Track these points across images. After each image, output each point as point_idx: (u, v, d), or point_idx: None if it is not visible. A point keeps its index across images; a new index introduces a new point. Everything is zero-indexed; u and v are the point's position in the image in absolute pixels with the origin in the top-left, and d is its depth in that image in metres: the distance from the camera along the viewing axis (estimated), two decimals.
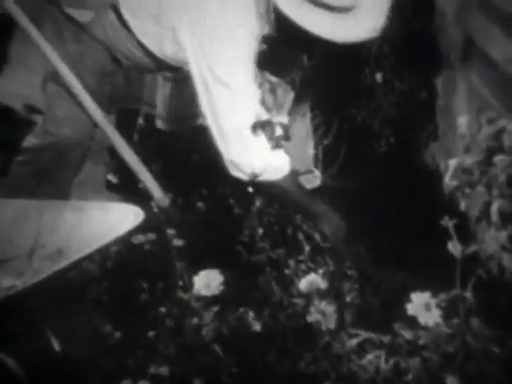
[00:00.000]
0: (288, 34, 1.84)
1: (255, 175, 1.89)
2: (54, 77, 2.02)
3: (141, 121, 2.37)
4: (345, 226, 1.99)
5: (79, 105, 2.01)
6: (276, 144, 1.93)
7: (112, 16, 2.01)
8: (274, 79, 2.00)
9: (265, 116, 1.90)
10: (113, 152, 2.19)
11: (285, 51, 1.94)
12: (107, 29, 2.02)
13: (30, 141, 2.09)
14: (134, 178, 2.06)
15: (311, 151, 2.30)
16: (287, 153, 1.97)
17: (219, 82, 1.87)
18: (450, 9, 2.35)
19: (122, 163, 2.17)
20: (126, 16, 2.00)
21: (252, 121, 1.88)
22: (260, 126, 1.87)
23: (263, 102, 1.92)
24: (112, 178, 2.33)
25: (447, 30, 2.40)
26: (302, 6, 1.77)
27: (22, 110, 2.43)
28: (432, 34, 2.50)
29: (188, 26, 1.88)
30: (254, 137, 1.88)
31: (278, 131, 1.93)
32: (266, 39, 1.89)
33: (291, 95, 2.08)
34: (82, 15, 2.02)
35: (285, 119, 2.01)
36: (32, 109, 2.34)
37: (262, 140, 1.91)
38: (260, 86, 1.91)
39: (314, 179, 2.26)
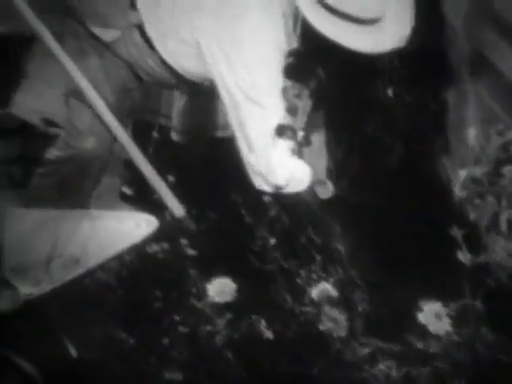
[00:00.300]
0: (315, 47, 1.88)
1: (279, 187, 1.93)
2: (76, 92, 2.06)
3: (155, 134, 2.41)
4: (352, 237, 2.02)
5: (99, 119, 2.05)
6: (298, 149, 1.98)
7: (136, 35, 2.04)
8: (297, 87, 2.04)
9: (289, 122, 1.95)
10: (128, 164, 2.24)
11: (311, 63, 1.98)
12: (130, 47, 2.06)
13: (51, 153, 2.14)
14: (148, 189, 2.10)
15: (324, 162, 2.33)
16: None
17: (248, 98, 1.91)
18: (459, 23, 2.39)
19: (136, 175, 2.21)
20: (150, 34, 2.04)
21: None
22: (284, 130, 1.91)
23: (288, 108, 1.96)
24: (127, 189, 2.37)
25: (457, 44, 2.43)
26: (331, 19, 1.81)
27: (39, 124, 2.48)
28: (442, 48, 2.53)
29: (216, 43, 1.91)
30: (279, 148, 1.93)
31: (300, 136, 1.98)
32: (292, 53, 1.93)
33: (310, 101, 2.12)
34: (106, 34, 2.06)
35: (305, 122, 2.04)
36: (49, 123, 2.39)
37: (286, 152, 1.95)
38: (284, 92, 1.95)
39: (326, 190, 2.29)
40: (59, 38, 2.04)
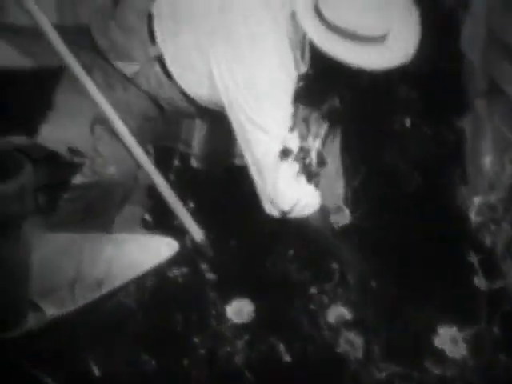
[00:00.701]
0: (324, 69, 1.94)
1: (285, 212, 1.97)
2: (101, 120, 2.14)
3: (176, 161, 2.47)
4: (369, 263, 2.05)
5: (124, 146, 2.12)
6: (308, 173, 2.02)
7: (157, 67, 2.11)
8: (308, 111, 2.09)
9: (296, 145, 1.99)
10: (151, 193, 2.30)
11: (320, 86, 2.04)
12: (151, 79, 2.13)
13: (78, 179, 2.21)
14: (168, 216, 2.16)
15: (341, 190, 2.37)
16: (318, 189, 2.06)
17: (254, 124, 1.97)
18: (476, 56, 2.44)
19: (157, 203, 2.27)
20: (169, 66, 2.10)
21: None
22: (289, 155, 1.96)
23: (298, 131, 2.01)
24: (148, 217, 2.43)
25: (474, 75, 2.47)
26: (336, 39, 1.86)
27: (65, 154, 2.56)
28: (459, 79, 2.58)
29: (227, 71, 1.98)
30: (284, 173, 1.97)
31: (313, 157, 2.02)
32: (302, 77, 1.98)
33: (324, 125, 2.16)
34: (128, 68, 2.13)
35: (319, 145, 2.09)
36: (75, 152, 2.47)
37: (291, 177, 1.99)
38: (294, 116, 2.00)
39: (342, 218, 2.32)
40: (88, 70, 2.12)
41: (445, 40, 2.54)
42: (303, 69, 1.99)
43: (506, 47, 2.24)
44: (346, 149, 2.46)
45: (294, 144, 2.00)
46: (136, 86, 2.14)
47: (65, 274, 1.67)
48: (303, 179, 2.04)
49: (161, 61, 2.11)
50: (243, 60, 1.97)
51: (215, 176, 2.44)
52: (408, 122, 2.83)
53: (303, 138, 2.04)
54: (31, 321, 1.57)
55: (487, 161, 2.01)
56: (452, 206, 2.35)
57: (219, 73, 2.00)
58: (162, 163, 2.29)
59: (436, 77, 2.65)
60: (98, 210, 2.18)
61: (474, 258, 1.79)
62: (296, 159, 1.99)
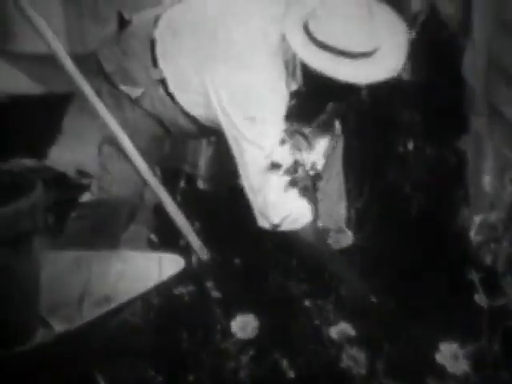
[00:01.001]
0: (315, 86, 2.00)
1: (276, 225, 2.02)
2: (110, 140, 2.20)
3: (183, 181, 2.52)
4: (371, 283, 2.09)
5: (131, 165, 2.18)
6: (306, 186, 2.06)
7: (160, 90, 2.18)
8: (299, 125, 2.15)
9: (288, 158, 2.04)
10: (157, 212, 2.34)
11: (312, 102, 2.10)
12: (155, 101, 2.19)
13: (85, 198, 2.26)
14: (174, 236, 2.20)
15: (343, 211, 2.41)
16: (318, 208, 2.10)
17: (245, 139, 2.04)
18: (476, 81, 2.49)
19: (163, 223, 2.32)
20: (171, 88, 2.18)
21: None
22: (278, 169, 2.01)
23: (291, 145, 2.06)
24: (153, 237, 2.47)
25: (474, 99, 2.52)
26: (325, 56, 1.92)
27: (74, 175, 2.62)
28: (460, 102, 2.62)
29: (221, 93, 2.06)
30: (274, 186, 2.03)
31: (308, 171, 2.07)
32: (294, 95, 2.05)
33: (321, 140, 2.21)
34: (133, 91, 2.19)
35: (317, 158, 2.13)
36: (83, 174, 2.52)
37: (283, 190, 2.04)
38: (285, 130, 2.05)
39: (345, 238, 2.36)
40: (97, 92, 2.19)
41: (446, 66, 2.59)
42: (294, 87, 2.04)
43: (504, 71, 2.30)
44: (349, 170, 2.50)
45: (285, 158, 2.06)
46: (141, 107, 2.20)
47: (73, 291, 1.70)
48: (295, 193, 2.08)
49: (163, 83, 2.17)
50: (236, 77, 2.03)
51: (220, 196, 2.49)
52: (411, 145, 2.87)
53: (297, 151, 2.09)
54: (40, 336, 1.59)
55: (487, 180, 2.04)
56: (453, 226, 2.38)
57: (215, 92, 2.07)
58: (169, 184, 2.33)
59: (438, 101, 2.70)
60: (104, 228, 2.22)
61: (474, 276, 1.81)
62: (288, 172, 2.04)
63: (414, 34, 2.64)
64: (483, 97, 2.44)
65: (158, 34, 2.18)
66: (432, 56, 2.66)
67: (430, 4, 2.67)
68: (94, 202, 2.24)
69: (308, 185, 2.09)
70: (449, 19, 2.61)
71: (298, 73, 2.03)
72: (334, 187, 2.35)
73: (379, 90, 2.58)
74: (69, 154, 2.74)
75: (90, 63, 2.29)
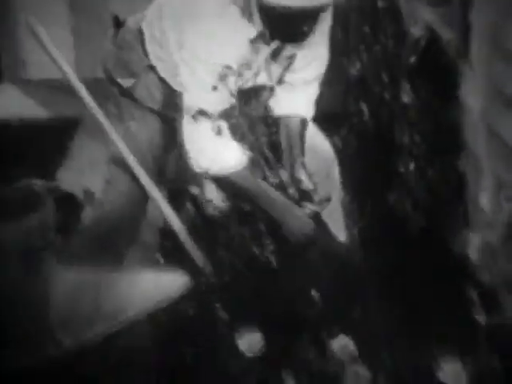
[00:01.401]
0: (275, 24, 2.10)
1: (205, 169, 2.14)
2: (116, 160, 2.29)
3: (189, 204, 2.57)
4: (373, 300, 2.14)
5: (135, 180, 2.26)
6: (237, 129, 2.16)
7: (151, 75, 2.29)
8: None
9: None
10: (162, 232, 2.39)
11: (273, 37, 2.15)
12: (150, 87, 2.30)
13: (88, 213, 2.33)
14: (180, 256, 2.24)
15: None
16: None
17: (186, 90, 2.13)
18: (476, 106, 2.54)
19: (169, 243, 2.36)
20: (160, 72, 2.28)
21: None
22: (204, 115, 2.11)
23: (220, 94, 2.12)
24: (159, 256, 2.51)
25: (474, 124, 2.57)
26: None
27: (81, 196, 2.67)
28: (459, 126, 2.67)
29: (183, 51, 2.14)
30: (202, 133, 2.12)
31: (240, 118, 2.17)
32: (256, 38, 2.12)
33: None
34: (126, 81, 2.32)
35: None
36: (90, 194, 2.58)
37: (212, 135, 2.12)
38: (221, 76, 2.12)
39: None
40: (103, 104, 2.27)
41: (446, 89, 2.65)
42: (254, 33, 2.12)
43: (502, 94, 2.35)
44: (350, 190, 2.55)
45: (215, 105, 2.13)
46: (134, 99, 2.30)
47: (82, 307, 1.74)
48: (225, 139, 2.15)
49: (154, 69, 2.28)
50: (198, 33, 2.11)
51: (226, 219, 2.53)
52: (412, 166, 2.92)
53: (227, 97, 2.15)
54: (50, 351, 1.63)
55: (485, 199, 2.08)
56: (452, 244, 2.41)
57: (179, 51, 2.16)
58: (175, 205, 2.38)
59: (437, 123, 2.75)
60: (109, 243, 2.28)
61: (473, 294, 1.85)
62: (220, 119, 2.11)
63: (414, 59, 2.71)
64: (482, 119, 2.50)
65: (146, 23, 2.29)
66: (432, 80, 2.72)
67: (431, 30, 2.74)
68: (97, 218, 2.31)
69: (244, 131, 2.15)
70: (448, 44, 2.67)
71: (256, 16, 2.10)
72: (336, 208, 2.41)
73: (381, 112, 2.64)
74: (76, 175, 2.80)
75: (97, 86, 2.39)
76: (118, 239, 2.31)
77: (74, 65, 2.81)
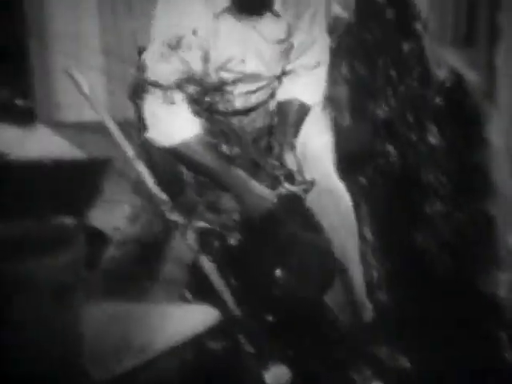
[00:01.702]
0: None
1: (152, 139, 2.17)
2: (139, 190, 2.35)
3: (216, 241, 2.59)
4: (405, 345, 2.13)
5: (161, 218, 2.29)
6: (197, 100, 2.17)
7: None
8: None
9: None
10: (191, 270, 2.41)
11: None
12: None
13: (111, 250, 2.38)
14: (207, 293, 2.26)
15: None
16: None
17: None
18: (502, 146, 2.56)
19: (196, 279, 2.38)
20: None
21: None
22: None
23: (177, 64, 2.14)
24: (188, 294, 2.53)
25: (500, 164, 2.59)
26: None
27: (111, 233, 2.72)
28: (486, 167, 2.68)
29: None
30: (152, 101, 2.14)
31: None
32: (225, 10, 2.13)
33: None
34: None
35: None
36: (119, 232, 2.62)
37: (162, 105, 2.14)
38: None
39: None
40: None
41: (471, 130, 2.67)
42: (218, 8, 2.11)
43: None
44: (376, 231, 2.55)
45: (165, 75, 2.14)
46: None
47: (112, 341, 1.76)
48: (175, 108, 2.15)
49: None
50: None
51: (251, 251, 2.55)
52: (439, 205, 2.92)
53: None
54: None
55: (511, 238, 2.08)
56: (482, 285, 2.40)
57: None
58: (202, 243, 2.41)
59: (463, 164, 2.77)
60: (132, 274, 2.31)
61: (503, 334, 1.84)
62: (169, 89, 2.12)
63: (440, 100, 2.74)
64: (508, 159, 2.51)
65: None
66: (457, 121, 2.74)
67: (455, 71, 2.78)
68: (120, 254, 2.34)
69: (201, 99, 2.16)
70: (474, 86, 2.70)
71: None
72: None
73: (407, 153, 2.66)
74: (106, 214, 2.86)
75: (128, 128, 2.45)
76: (140, 266, 2.34)
77: (107, 106, 2.90)
